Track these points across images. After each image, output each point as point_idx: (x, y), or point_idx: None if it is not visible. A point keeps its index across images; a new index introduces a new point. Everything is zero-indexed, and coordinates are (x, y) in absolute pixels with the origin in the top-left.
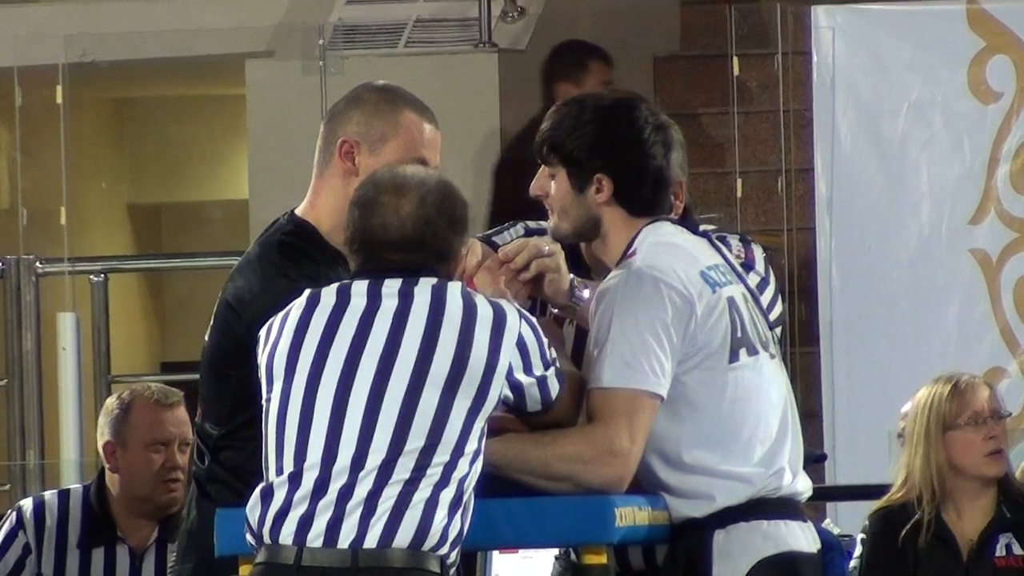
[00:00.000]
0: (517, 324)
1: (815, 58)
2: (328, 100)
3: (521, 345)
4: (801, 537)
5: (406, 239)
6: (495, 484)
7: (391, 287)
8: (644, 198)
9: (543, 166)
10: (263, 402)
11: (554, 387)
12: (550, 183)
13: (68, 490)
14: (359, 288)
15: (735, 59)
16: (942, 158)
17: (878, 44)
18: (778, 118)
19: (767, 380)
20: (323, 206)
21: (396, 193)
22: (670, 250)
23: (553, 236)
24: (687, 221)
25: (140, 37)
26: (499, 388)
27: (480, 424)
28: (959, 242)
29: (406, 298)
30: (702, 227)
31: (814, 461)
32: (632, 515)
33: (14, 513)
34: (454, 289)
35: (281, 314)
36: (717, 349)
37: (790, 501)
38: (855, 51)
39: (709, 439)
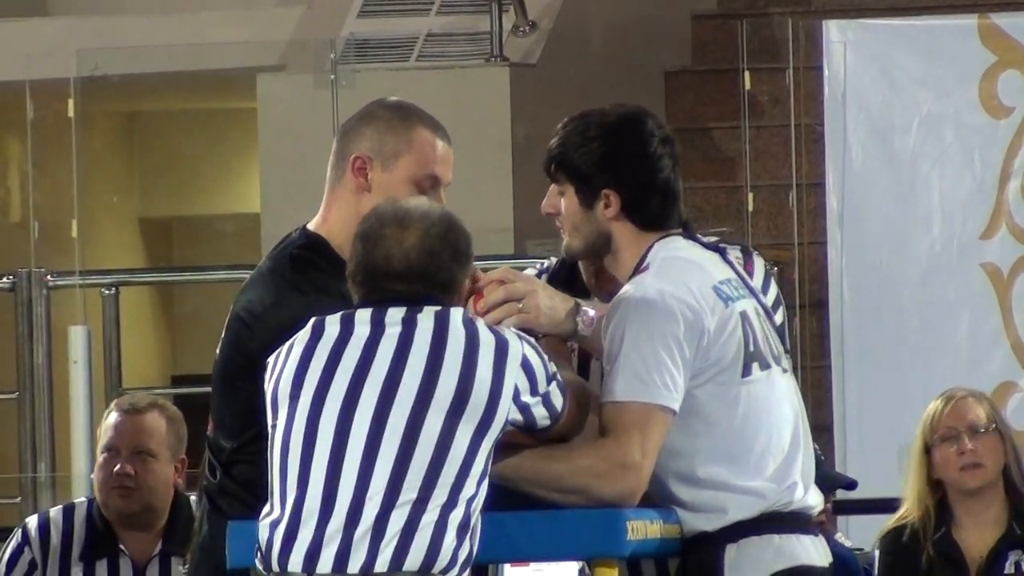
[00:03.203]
0: (520, 347)
1: (826, 72)
2: (340, 114)
3: (527, 366)
4: (813, 551)
5: (410, 270)
6: (506, 497)
7: (394, 316)
8: (653, 212)
9: (552, 184)
10: (269, 429)
11: (558, 400)
12: (560, 201)
13: (73, 504)
14: (363, 316)
15: (746, 73)
16: (953, 173)
17: (890, 58)
18: (789, 132)
19: (779, 394)
20: (335, 221)
21: (400, 225)
22: (682, 264)
23: (565, 254)
24: (691, 235)
25: (152, 51)
26: (506, 411)
27: (487, 446)
28: (970, 257)
29: (409, 325)
30: (706, 239)
31: (845, 487)
32: (644, 528)
33: (19, 530)
34: (456, 316)
35: (287, 344)
36: (730, 363)
37: (802, 515)
38: (866, 65)
39: (722, 453)
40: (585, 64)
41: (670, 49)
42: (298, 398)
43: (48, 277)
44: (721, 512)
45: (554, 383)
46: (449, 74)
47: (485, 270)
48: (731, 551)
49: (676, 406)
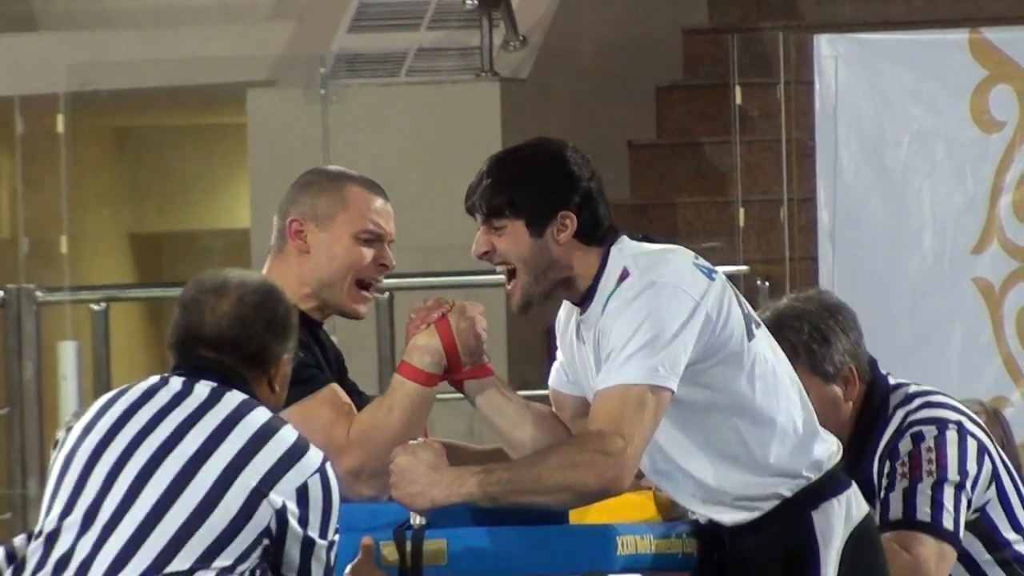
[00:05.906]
0: (312, 470)
1: (817, 87)
2: (330, 129)
3: (301, 492)
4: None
5: (221, 338)
6: (496, 514)
7: (198, 394)
8: (603, 227)
9: (483, 226)
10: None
11: (317, 567)
12: (494, 239)
13: None
14: (175, 384)
15: (737, 88)
16: (945, 187)
17: (881, 73)
18: (780, 147)
19: (776, 350)
20: (277, 280)
21: (215, 293)
22: (660, 255)
23: (517, 308)
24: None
25: (142, 66)
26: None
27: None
28: (962, 271)
29: (204, 408)
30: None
31: None
32: (634, 543)
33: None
34: (258, 413)
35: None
36: (740, 334)
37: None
38: (858, 80)
39: (756, 423)
40: (576, 79)
41: (661, 64)
42: (77, 450)
43: (37, 293)
44: (793, 477)
45: (328, 551)
46: (439, 89)
47: (475, 286)
48: (817, 517)
49: (673, 385)
